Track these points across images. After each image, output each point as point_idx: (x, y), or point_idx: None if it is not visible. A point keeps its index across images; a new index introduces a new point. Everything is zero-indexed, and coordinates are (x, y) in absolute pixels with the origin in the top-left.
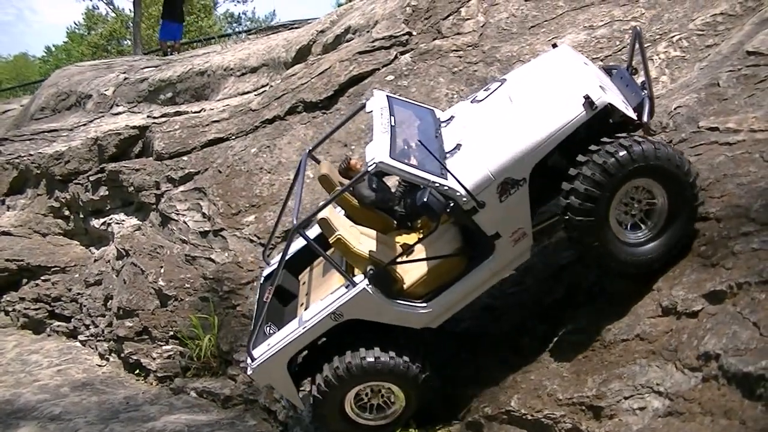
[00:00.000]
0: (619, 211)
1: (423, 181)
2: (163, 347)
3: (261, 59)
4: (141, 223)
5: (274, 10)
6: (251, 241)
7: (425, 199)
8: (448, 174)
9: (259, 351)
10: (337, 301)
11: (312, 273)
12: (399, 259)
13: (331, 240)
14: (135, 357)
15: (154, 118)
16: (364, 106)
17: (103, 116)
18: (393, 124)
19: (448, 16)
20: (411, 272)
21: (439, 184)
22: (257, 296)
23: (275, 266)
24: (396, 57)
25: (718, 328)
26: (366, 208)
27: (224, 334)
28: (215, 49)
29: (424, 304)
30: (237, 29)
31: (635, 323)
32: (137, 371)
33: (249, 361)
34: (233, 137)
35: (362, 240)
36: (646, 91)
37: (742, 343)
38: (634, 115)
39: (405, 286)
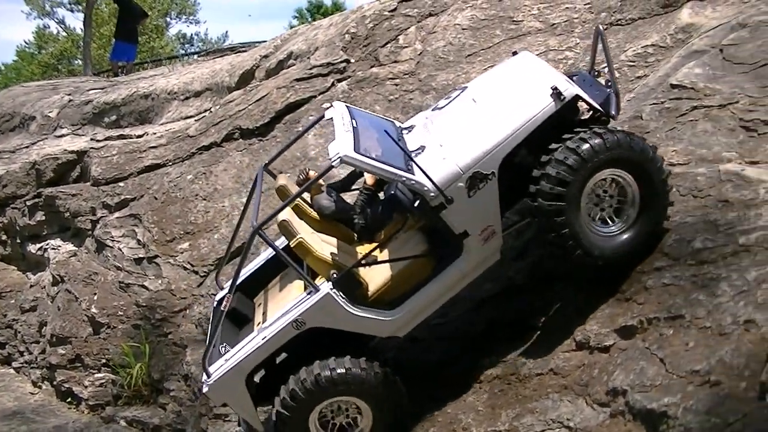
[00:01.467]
0: (591, 206)
1: (389, 175)
2: (95, 375)
3: (205, 83)
4: (77, 249)
5: (227, 32)
6: (185, 268)
7: (392, 192)
8: (415, 168)
9: (216, 367)
10: (299, 307)
11: (267, 293)
12: (364, 263)
13: (292, 244)
14: (67, 385)
15: (98, 141)
16: (323, 116)
17: (46, 138)
18: (355, 126)
19: (386, 43)
20: (376, 278)
21: (406, 178)
22: (211, 317)
23: (228, 289)
24: (333, 84)
25: (627, 363)
26: (326, 220)
27: (156, 363)
28: (162, 72)
29: (391, 311)
30: (190, 50)
31: (550, 357)
32: (69, 399)
33: (204, 377)
34: (170, 163)
35: (324, 246)
36: (611, 89)
37: (648, 379)
38: (600, 108)
39: (370, 293)
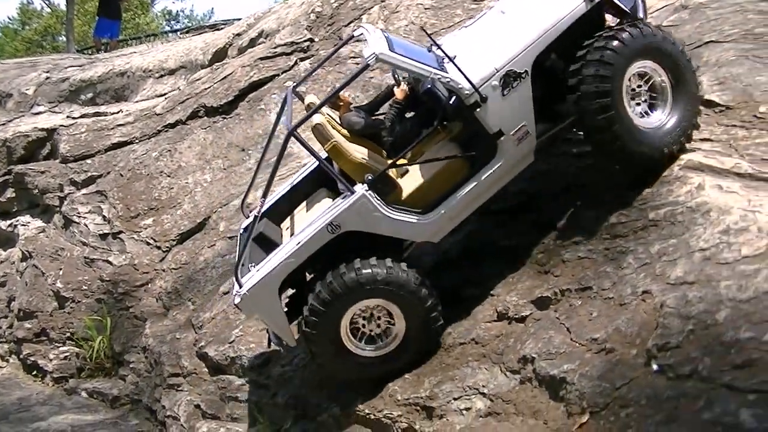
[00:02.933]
0: (630, 101)
1: (425, 72)
2: (60, 348)
3: (179, 61)
4: (45, 225)
5: (213, 9)
6: (148, 243)
7: (428, 86)
8: (451, 65)
9: (248, 277)
10: (335, 210)
11: (294, 218)
12: (399, 165)
13: (326, 147)
14: (33, 358)
15: (73, 118)
16: (352, 36)
17: (23, 116)
18: (387, 36)
19: (350, 23)
20: (410, 183)
21: (441, 76)
22: (238, 241)
23: (252, 218)
24: (296, 63)
25: (539, 332)
26: (355, 137)
27: (117, 336)
28: (139, 50)
29: (426, 214)
30: (175, 27)
31: (473, 327)
32: (35, 372)
33: (237, 288)
34: (137, 141)
35: (358, 152)
36: None
37: (554, 347)
38: (629, 11)
39: (404, 197)
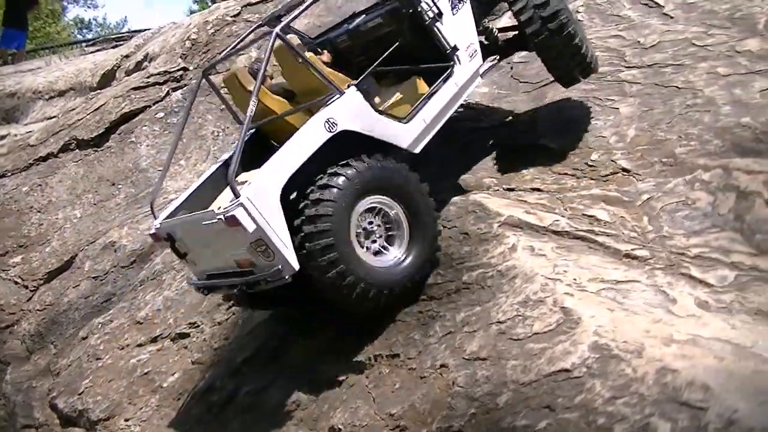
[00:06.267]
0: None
1: None
2: None
3: (69, 83)
4: None
5: (126, 17)
6: (16, 282)
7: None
8: None
9: (243, 188)
10: (329, 109)
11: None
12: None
13: (301, 62)
14: None
15: None
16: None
17: None
18: None
19: (224, 51)
20: (385, 97)
21: None
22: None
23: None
24: (168, 93)
25: (349, 401)
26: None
27: None
28: (34, 67)
29: (407, 122)
30: (87, 36)
31: (296, 389)
32: None
33: (230, 199)
34: (9, 174)
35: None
36: None
37: (358, 420)
38: None
39: (383, 107)
